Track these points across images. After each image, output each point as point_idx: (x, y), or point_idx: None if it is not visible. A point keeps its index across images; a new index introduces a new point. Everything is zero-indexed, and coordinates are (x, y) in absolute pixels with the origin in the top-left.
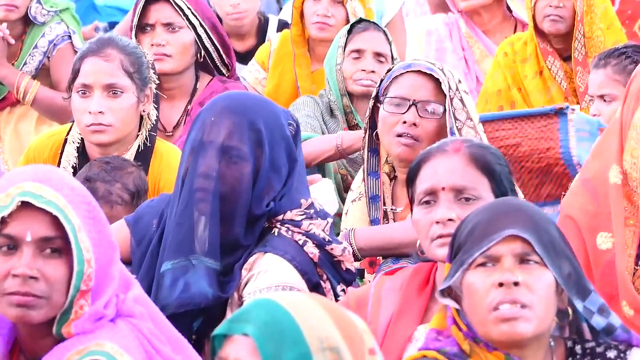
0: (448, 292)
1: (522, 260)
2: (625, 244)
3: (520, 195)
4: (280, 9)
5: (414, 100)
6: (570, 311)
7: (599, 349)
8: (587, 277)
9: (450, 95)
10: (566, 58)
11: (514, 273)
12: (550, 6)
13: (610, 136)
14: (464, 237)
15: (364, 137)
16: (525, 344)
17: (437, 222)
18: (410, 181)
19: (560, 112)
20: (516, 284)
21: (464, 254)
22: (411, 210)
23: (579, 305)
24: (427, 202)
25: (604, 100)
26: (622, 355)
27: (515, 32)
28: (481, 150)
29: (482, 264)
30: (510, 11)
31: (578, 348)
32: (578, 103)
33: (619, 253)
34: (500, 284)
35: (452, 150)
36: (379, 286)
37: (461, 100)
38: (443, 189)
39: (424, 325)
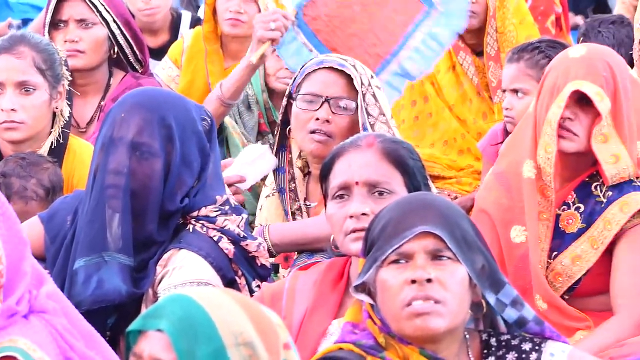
0: (362, 287)
1: (435, 256)
2: (538, 237)
3: (433, 189)
4: (198, 7)
5: (327, 96)
6: (484, 304)
7: (514, 342)
8: (501, 270)
9: (362, 91)
10: (479, 53)
11: (427, 270)
12: None
13: (524, 131)
14: (376, 234)
15: (276, 133)
16: (440, 339)
17: (351, 217)
18: (324, 176)
19: None
20: (429, 280)
21: (377, 250)
22: (325, 205)
23: (491, 298)
24: (341, 197)
25: (517, 94)
26: (537, 347)
27: None
28: (394, 145)
29: (395, 261)
30: None
31: (493, 341)
32: (490, 98)
33: (532, 247)
34: (413, 281)
35: (365, 145)
36: (293, 281)
37: (374, 95)
38: (357, 183)
39: (338, 319)
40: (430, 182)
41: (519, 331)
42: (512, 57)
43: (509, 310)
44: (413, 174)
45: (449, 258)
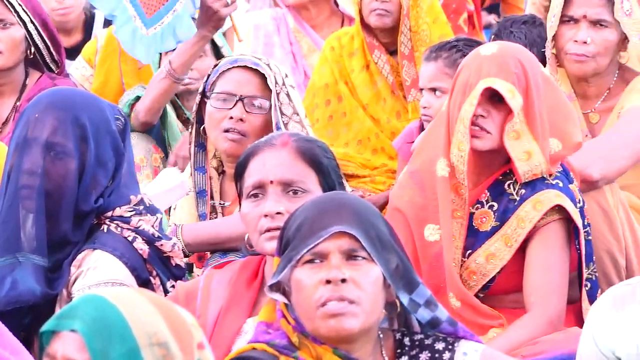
0: (277, 287)
1: (350, 256)
2: (452, 235)
3: (348, 188)
4: None
5: (241, 95)
6: (398, 304)
7: (427, 341)
8: (416, 269)
9: (276, 90)
10: (393, 52)
11: (341, 270)
12: (376, 0)
13: (437, 129)
14: (292, 233)
15: (191, 132)
16: (354, 339)
17: (266, 216)
18: (239, 175)
19: None
20: (343, 280)
21: (292, 250)
22: (239, 204)
23: (405, 298)
24: (256, 196)
25: (435, 93)
26: (450, 347)
27: (342, 26)
28: (309, 144)
29: (310, 261)
30: (337, 6)
31: (407, 340)
32: (405, 97)
33: (446, 245)
34: (328, 281)
35: (280, 144)
36: (208, 280)
37: (287, 95)
38: (271, 182)
39: (252, 318)
40: (344, 181)
41: (432, 331)
42: (430, 55)
43: (422, 311)
44: (327, 173)
45: (363, 258)
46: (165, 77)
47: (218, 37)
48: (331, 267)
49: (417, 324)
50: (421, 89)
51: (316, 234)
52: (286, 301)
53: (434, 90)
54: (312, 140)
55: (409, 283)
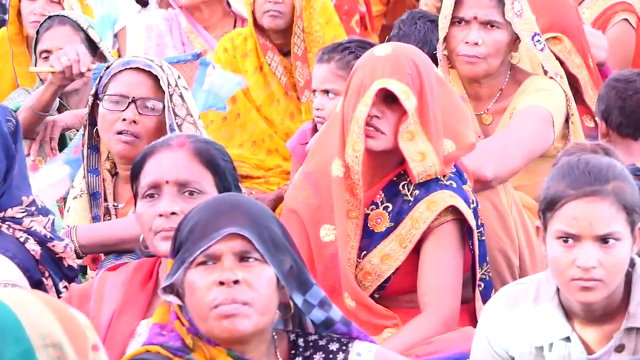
0: (171, 288)
1: (242, 258)
2: (347, 236)
3: (243, 190)
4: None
5: (133, 97)
6: (292, 305)
7: (321, 342)
8: (311, 270)
9: (169, 92)
10: (286, 53)
11: (234, 272)
12: (269, 2)
13: (332, 130)
14: (185, 235)
15: (84, 134)
16: (247, 340)
17: (161, 215)
18: (135, 175)
19: (202, 60)
20: (236, 282)
21: (185, 252)
22: (134, 205)
23: (298, 299)
24: (151, 196)
25: (328, 95)
26: (344, 347)
27: (235, 27)
28: (205, 146)
29: (203, 263)
30: (230, 7)
31: (301, 341)
32: (298, 98)
33: (341, 245)
34: (221, 283)
35: (176, 145)
36: (101, 282)
37: (181, 96)
38: (167, 182)
39: (146, 320)
40: (240, 184)
41: (326, 332)
42: (322, 57)
43: (316, 311)
44: (224, 175)
45: (256, 259)
46: (27, 108)
47: (94, 33)
48: (224, 269)
49: (311, 325)
50: (314, 91)
51: (209, 236)
52: (180, 303)
53: (326, 92)
54: (209, 142)
55: (303, 284)
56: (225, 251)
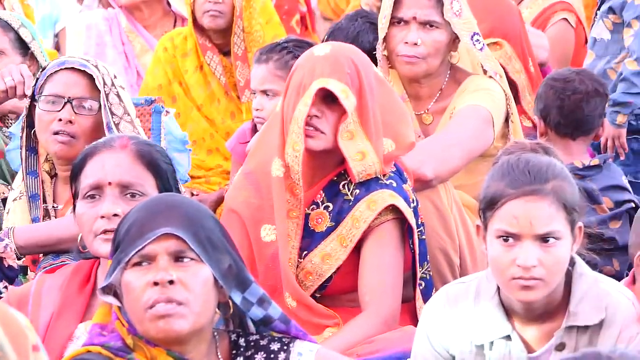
0: (110, 289)
1: (178, 258)
2: (288, 236)
3: (183, 191)
4: None
5: (69, 97)
6: (231, 304)
7: (262, 342)
8: (252, 270)
9: (105, 91)
10: (226, 53)
11: (168, 272)
12: (209, 2)
13: (271, 129)
14: (122, 235)
15: (21, 136)
16: (185, 340)
17: (103, 217)
18: (75, 175)
19: (156, 107)
20: (171, 282)
21: (121, 252)
22: (74, 205)
23: (237, 297)
24: (92, 197)
25: (267, 95)
26: (285, 347)
27: (175, 27)
28: (148, 148)
29: (139, 263)
30: (170, 6)
31: (242, 341)
32: (239, 97)
33: (281, 245)
34: (156, 283)
35: (119, 146)
36: (39, 284)
37: (117, 95)
38: (109, 183)
39: (84, 323)
40: (181, 186)
41: (265, 329)
42: (261, 58)
43: (255, 309)
44: (165, 177)
45: (192, 259)
46: None
47: (26, 32)
48: (158, 269)
49: (252, 325)
50: (253, 92)
51: (144, 236)
52: (119, 304)
53: (265, 92)
54: (151, 144)
55: (242, 282)
56: (159, 251)
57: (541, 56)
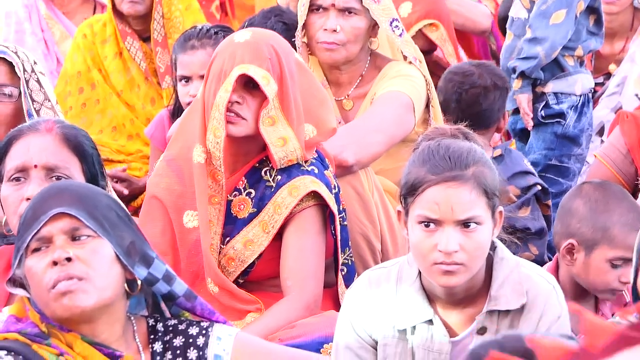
0: (18, 281)
1: (74, 237)
2: (209, 221)
3: (108, 180)
4: None
5: None
6: (139, 282)
7: (181, 327)
8: (175, 256)
9: (25, 78)
10: (146, 39)
11: (65, 250)
12: None
13: (192, 115)
14: (19, 225)
15: None
16: (92, 317)
17: (28, 199)
18: (0, 159)
19: None
20: (69, 259)
21: (19, 240)
22: None
23: (142, 272)
24: (17, 179)
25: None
26: (204, 331)
27: (94, 13)
28: (73, 132)
29: (38, 249)
30: None
31: (160, 326)
32: (159, 83)
33: (203, 231)
34: (55, 263)
35: (44, 130)
36: None
37: (38, 81)
38: (35, 166)
39: (7, 307)
40: (105, 171)
41: (172, 306)
42: (194, 44)
43: (160, 285)
44: (91, 162)
45: (89, 236)
46: None
47: None
48: (55, 249)
49: (167, 310)
50: (187, 78)
51: (38, 220)
52: (27, 294)
53: (188, 78)
54: (76, 128)
55: (145, 259)
56: (54, 232)
57: (485, 23)
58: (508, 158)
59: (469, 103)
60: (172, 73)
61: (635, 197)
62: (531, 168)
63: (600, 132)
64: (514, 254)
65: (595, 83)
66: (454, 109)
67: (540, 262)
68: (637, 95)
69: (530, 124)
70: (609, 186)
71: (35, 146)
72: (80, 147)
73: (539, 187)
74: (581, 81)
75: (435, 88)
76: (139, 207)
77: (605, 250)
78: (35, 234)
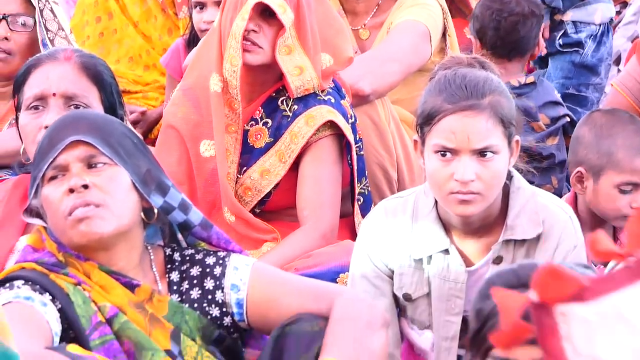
0: (35, 210)
1: (90, 164)
2: (226, 150)
3: (127, 115)
4: None
5: (4, 14)
6: (155, 210)
7: (198, 256)
8: (191, 185)
9: (39, 7)
10: None
11: (82, 177)
12: None
13: (209, 44)
14: (36, 154)
15: None
16: (110, 244)
17: (46, 127)
18: (18, 87)
19: None
20: (86, 187)
21: (35, 169)
22: (16, 117)
23: (158, 201)
24: (36, 108)
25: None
26: (221, 261)
27: None
28: (92, 61)
29: (54, 177)
30: None
31: (177, 255)
32: (175, 14)
33: (219, 159)
34: (72, 190)
35: (63, 58)
36: None
37: (51, 10)
38: (54, 94)
39: (25, 236)
40: (123, 101)
41: (188, 236)
42: None
43: (175, 214)
44: (110, 91)
45: (105, 164)
46: None
47: None
48: (72, 176)
49: (184, 240)
50: (202, 4)
51: (54, 148)
52: (44, 224)
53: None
54: (95, 57)
55: (161, 187)
56: (70, 160)
57: None
58: (540, 87)
59: (508, 31)
60: (188, 2)
61: None
62: (561, 100)
63: (617, 61)
64: (537, 185)
65: None
66: (491, 37)
67: (559, 195)
68: None
69: (543, 51)
70: (616, 112)
71: (54, 74)
72: (98, 76)
73: (568, 119)
74: (601, 10)
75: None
76: (155, 138)
77: (612, 176)
78: (52, 162)
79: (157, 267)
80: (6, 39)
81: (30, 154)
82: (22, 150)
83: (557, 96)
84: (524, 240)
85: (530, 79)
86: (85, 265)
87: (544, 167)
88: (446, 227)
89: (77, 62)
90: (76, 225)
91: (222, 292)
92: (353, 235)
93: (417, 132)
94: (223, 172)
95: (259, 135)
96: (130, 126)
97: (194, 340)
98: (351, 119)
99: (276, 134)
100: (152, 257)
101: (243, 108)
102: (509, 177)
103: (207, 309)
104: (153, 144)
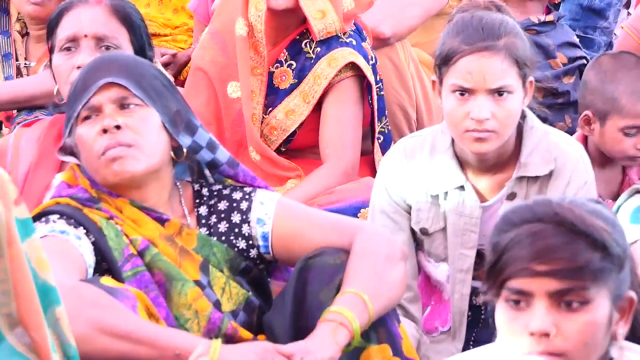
0: (69, 149)
1: (122, 105)
2: (252, 92)
3: (156, 57)
4: None
5: None
6: (184, 149)
7: (225, 191)
8: (218, 126)
9: None
10: None
11: (115, 118)
12: None
13: None
14: (70, 95)
15: None
16: (142, 182)
17: (79, 67)
18: (51, 30)
19: None
20: (118, 127)
21: (69, 109)
22: (50, 59)
23: (187, 140)
24: (68, 49)
25: None
26: (247, 196)
27: None
28: (122, 3)
29: (88, 117)
30: None
31: (205, 191)
32: None
33: (245, 100)
34: (105, 131)
35: (94, 2)
36: (17, 138)
37: None
38: (85, 36)
39: (61, 173)
40: (152, 42)
41: (215, 174)
42: None
43: (204, 153)
44: (139, 33)
45: (137, 105)
46: None
47: None
48: (105, 117)
49: (211, 177)
50: None
51: (88, 89)
52: (77, 162)
53: None
54: (124, 1)
55: (190, 127)
56: (103, 101)
57: None
58: (560, 28)
59: None
60: None
61: None
62: (579, 43)
63: (627, 5)
64: (550, 122)
65: None
66: None
67: (572, 134)
68: None
69: None
70: (622, 56)
71: (85, 17)
72: (128, 18)
73: (585, 61)
74: None
75: None
76: (184, 80)
77: (617, 120)
78: (86, 103)
79: (186, 203)
80: None
81: (64, 94)
82: (56, 91)
83: (576, 39)
84: (536, 177)
85: (550, 17)
86: (117, 201)
87: (559, 106)
88: (462, 165)
89: (108, 5)
90: (109, 165)
91: (249, 225)
92: (373, 173)
93: (435, 72)
94: (248, 113)
95: (283, 77)
96: (161, 67)
97: (221, 271)
98: (372, 60)
99: (300, 75)
100: (181, 193)
101: (268, 51)
102: (523, 116)
103: (234, 241)
104: (182, 86)
